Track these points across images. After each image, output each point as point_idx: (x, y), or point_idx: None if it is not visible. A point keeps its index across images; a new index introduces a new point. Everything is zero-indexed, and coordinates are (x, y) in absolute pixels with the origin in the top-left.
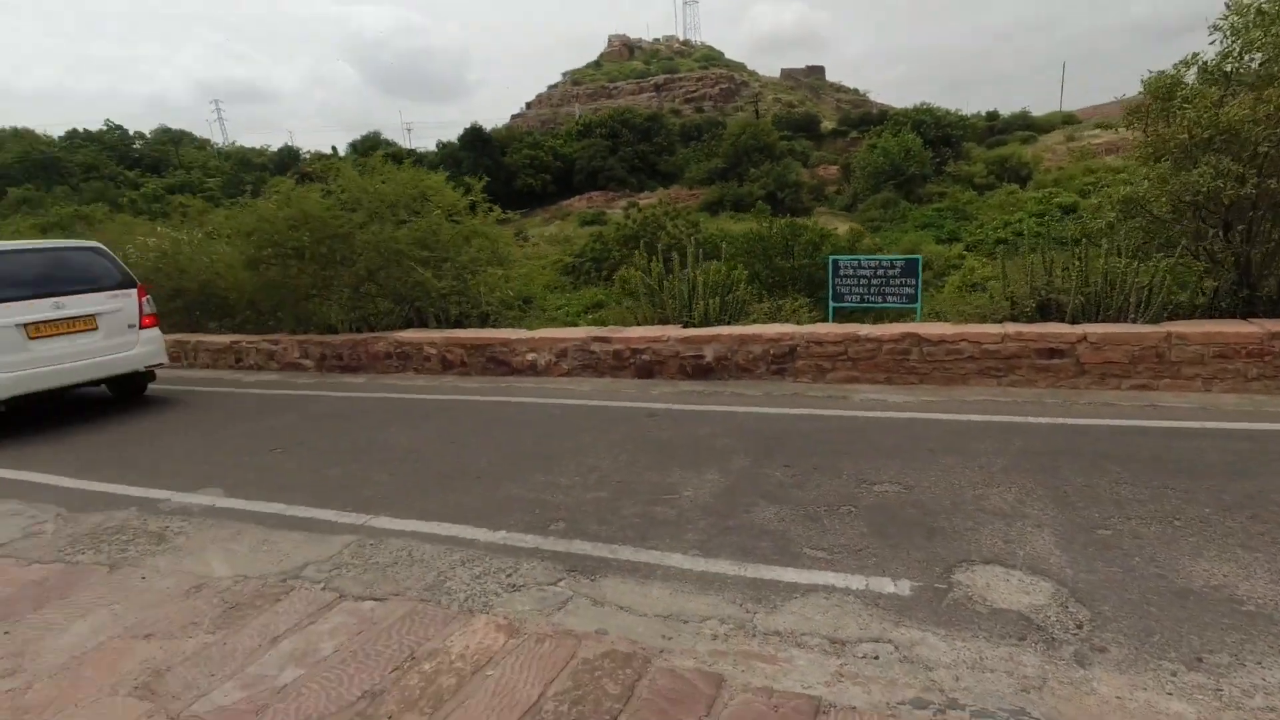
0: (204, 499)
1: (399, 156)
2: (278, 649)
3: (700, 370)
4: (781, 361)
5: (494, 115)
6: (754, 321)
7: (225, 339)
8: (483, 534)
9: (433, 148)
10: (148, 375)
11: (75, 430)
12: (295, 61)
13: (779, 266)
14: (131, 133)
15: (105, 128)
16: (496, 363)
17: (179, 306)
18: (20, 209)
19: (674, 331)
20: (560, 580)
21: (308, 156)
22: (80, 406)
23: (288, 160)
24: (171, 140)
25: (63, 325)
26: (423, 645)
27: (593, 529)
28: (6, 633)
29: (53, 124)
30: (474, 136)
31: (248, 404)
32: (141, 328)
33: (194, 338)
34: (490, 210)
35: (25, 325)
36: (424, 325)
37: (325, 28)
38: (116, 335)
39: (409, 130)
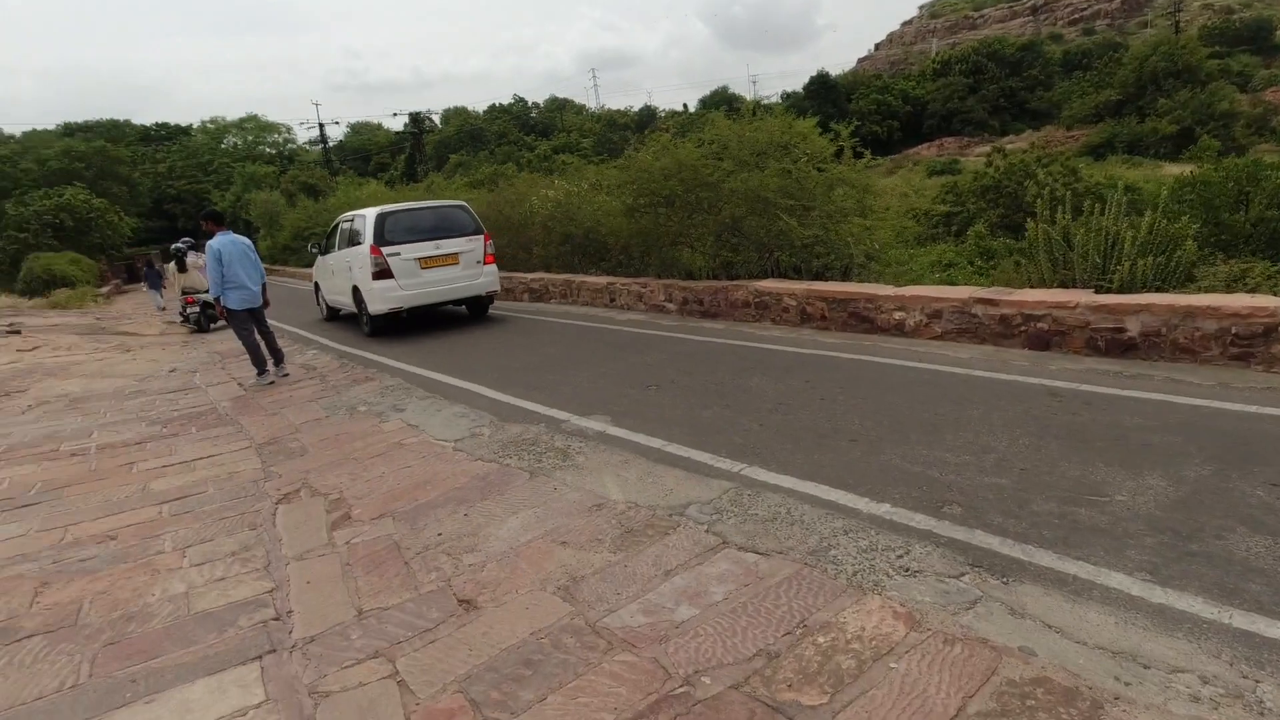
0: (595, 424)
1: (748, 111)
2: (671, 583)
3: (1117, 346)
4: (1248, 344)
5: (840, 60)
6: (1202, 289)
7: (603, 280)
8: (864, 504)
9: (778, 99)
10: (489, 298)
11: (498, 358)
12: (657, 26)
13: (1227, 222)
14: (530, 103)
15: (513, 101)
16: (859, 319)
17: (567, 250)
18: (456, 171)
19: (1084, 297)
20: (963, 574)
21: (663, 115)
22: (491, 337)
23: (646, 119)
24: (558, 108)
25: (439, 260)
26: (813, 615)
27: (996, 521)
28: (465, 515)
29: (480, 101)
30: (818, 85)
31: (622, 340)
32: (485, 264)
33: (578, 278)
34: (859, 156)
35: (419, 259)
36: (782, 276)
37: None
38: (470, 268)
39: (754, 83)
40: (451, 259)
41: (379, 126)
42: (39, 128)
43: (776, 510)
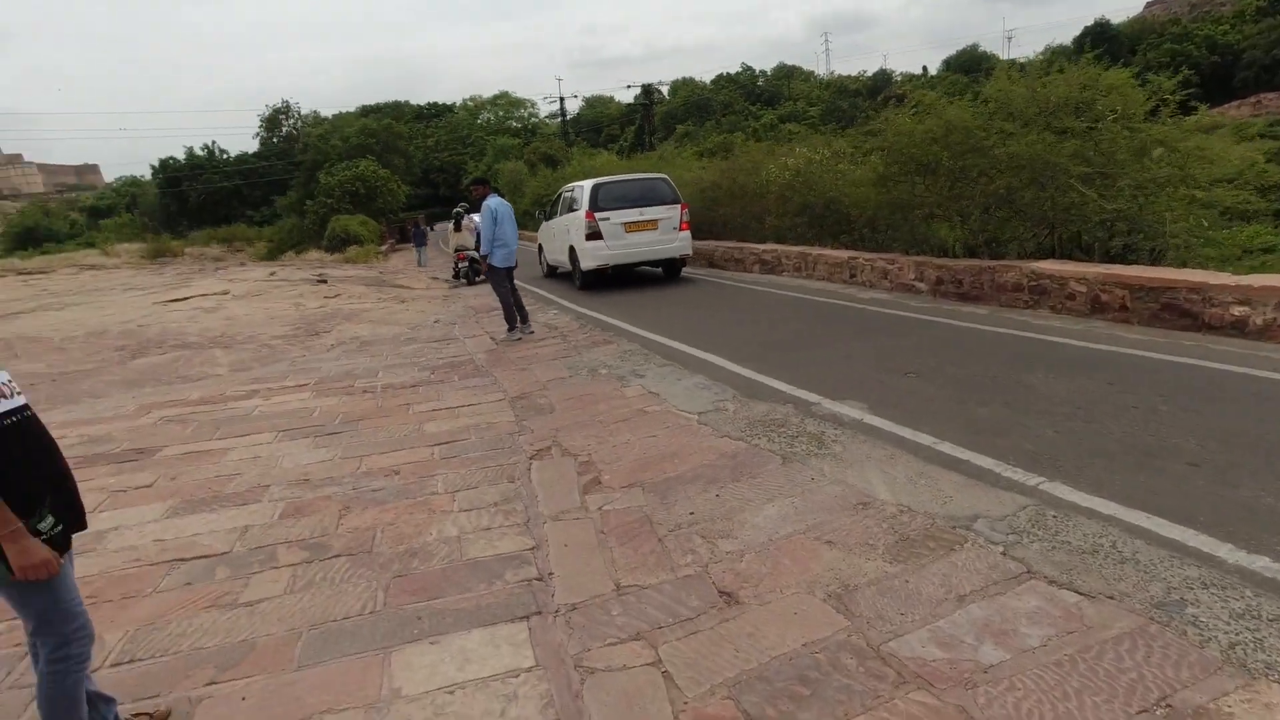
0: (850, 411)
1: (1039, 65)
2: (967, 611)
3: None
4: None
5: (1121, 6)
6: None
7: (843, 254)
8: (1227, 551)
9: (1036, 55)
10: (681, 261)
11: (734, 329)
12: None
13: None
14: (757, 72)
15: (740, 70)
16: (1177, 312)
17: (803, 222)
18: (683, 140)
19: None
20: None
21: (899, 79)
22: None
23: (880, 84)
24: (785, 75)
25: (641, 225)
26: (1178, 693)
27: None
28: (717, 495)
29: (706, 71)
30: (1095, 34)
31: (867, 320)
32: (680, 230)
33: (814, 251)
34: (1188, 112)
35: (625, 224)
36: (1065, 256)
37: None
38: (667, 233)
39: (1009, 39)
40: (651, 224)
41: (610, 100)
42: (343, 110)
43: (1096, 541)
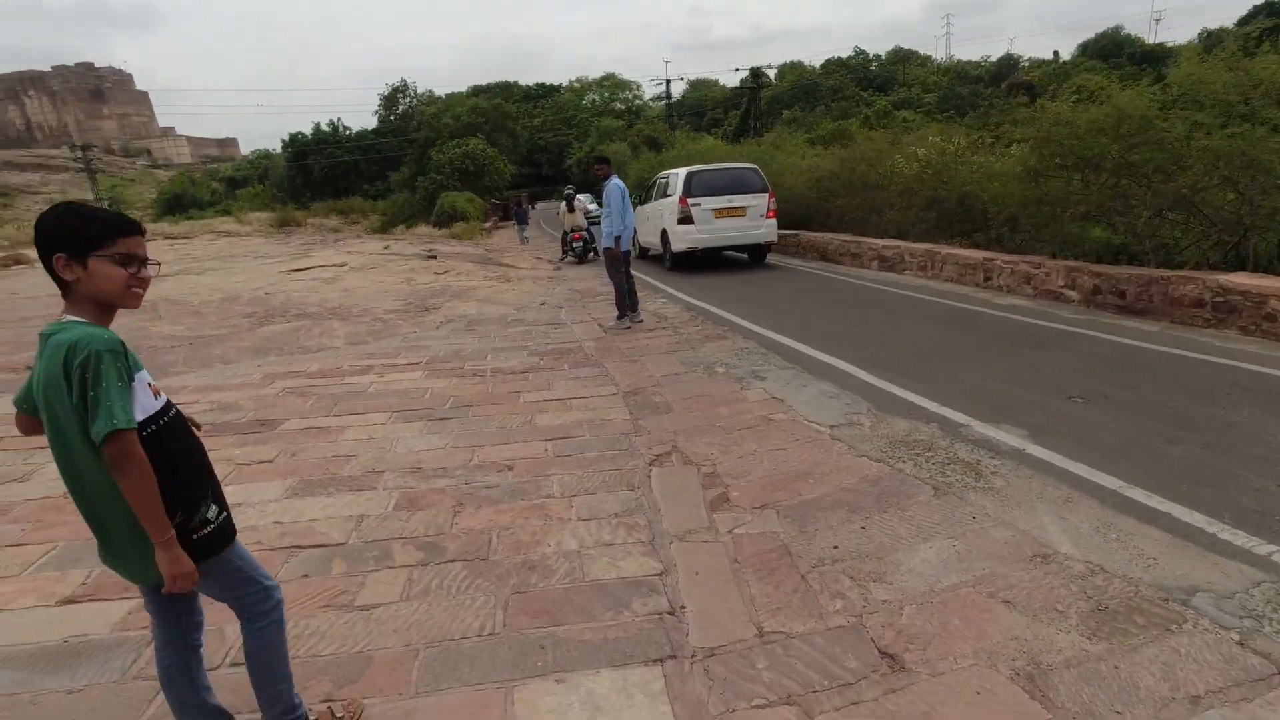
0: (1007, 437)
1: (1144, 56)
2: None
3: None
4: None
5: None
6: None
7: (977, 255)
8: None
9: (1189, 39)
10: (766, 247)
11: (857, 331)
12: None
13: None
14: (870, 56)
15: (852, 54)
16: None
17: (933, 217)
18: (790, 126)
19: None
20: None
21: (1025, 65)
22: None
23: (1004, 70)
24: (900, 60)
25: (730, 211)
26: None
27: None
28: (862, 528)
29: (815, 55)
30: (1269, 10)
31: (1010, 331)
32: (766, 218)
33: (943, 250)
34: None
35: (714, 210)
36: (1262, 269)
37: None
38: (754, 220)
39: (1157, 20)
40: (739, 211)
41: (715, 83)
42: (454, 90)
43: None
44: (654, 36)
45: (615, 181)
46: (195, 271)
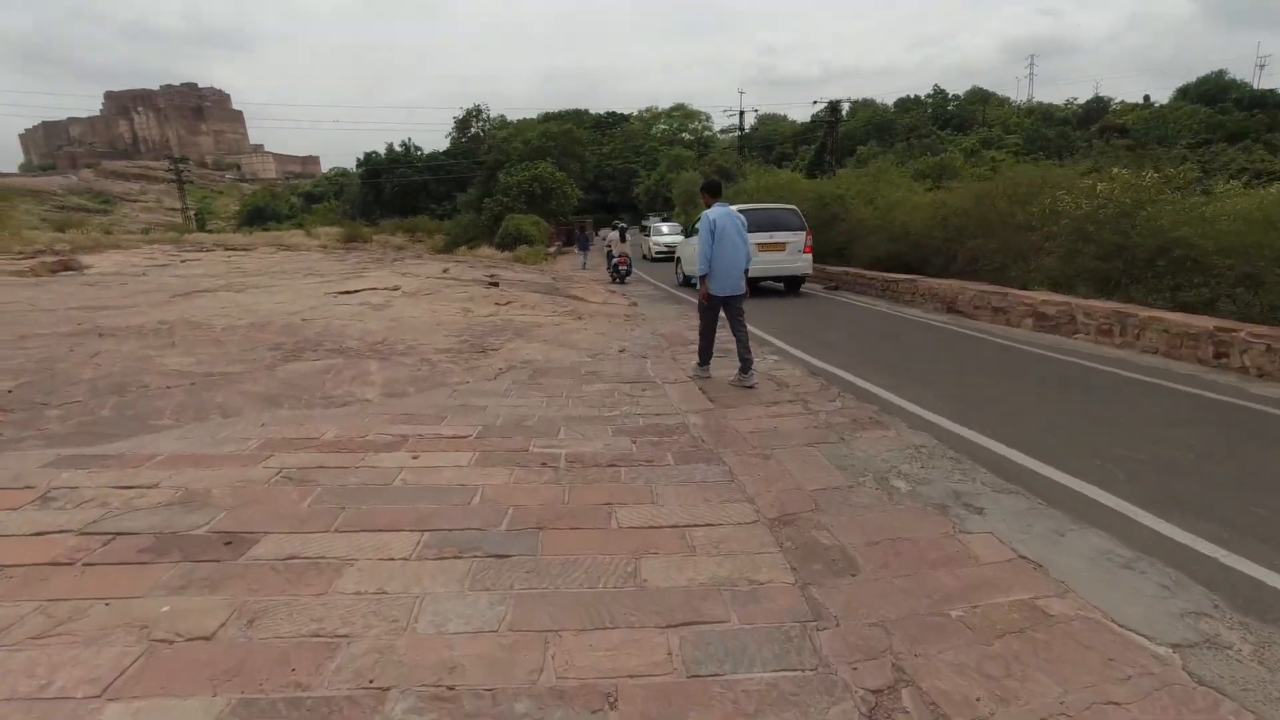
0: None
1: (1252, 101)
2: None
3: None
4: None
5: None
6: None
7: (1202, 322)
8: None
9: None
10: (801, 279)
11: (1106, 444)
12: (1108, 7)
13: None
14: (949, 95)
15: (931, 93)
16: None
17: (1114, 268)
18: (864, 162)
19: None
20: None
21: (1117, 107)
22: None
23: (1093, 113)
24: (979, 100)
25: (771, 246)
26: None
27: None
28: None
29: (884, 94)
30: None
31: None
32: (804, 252)
33: (1143, 312)
34: None
35: (758, 244)
36: None
37: None
38: (792, 254)
39: (1261, 66)
40: (779, 246)
41: (783, 118)
42: (526, 116)
43: None
44: (723, 72)
45: (705, 214)
46: (236, 288)
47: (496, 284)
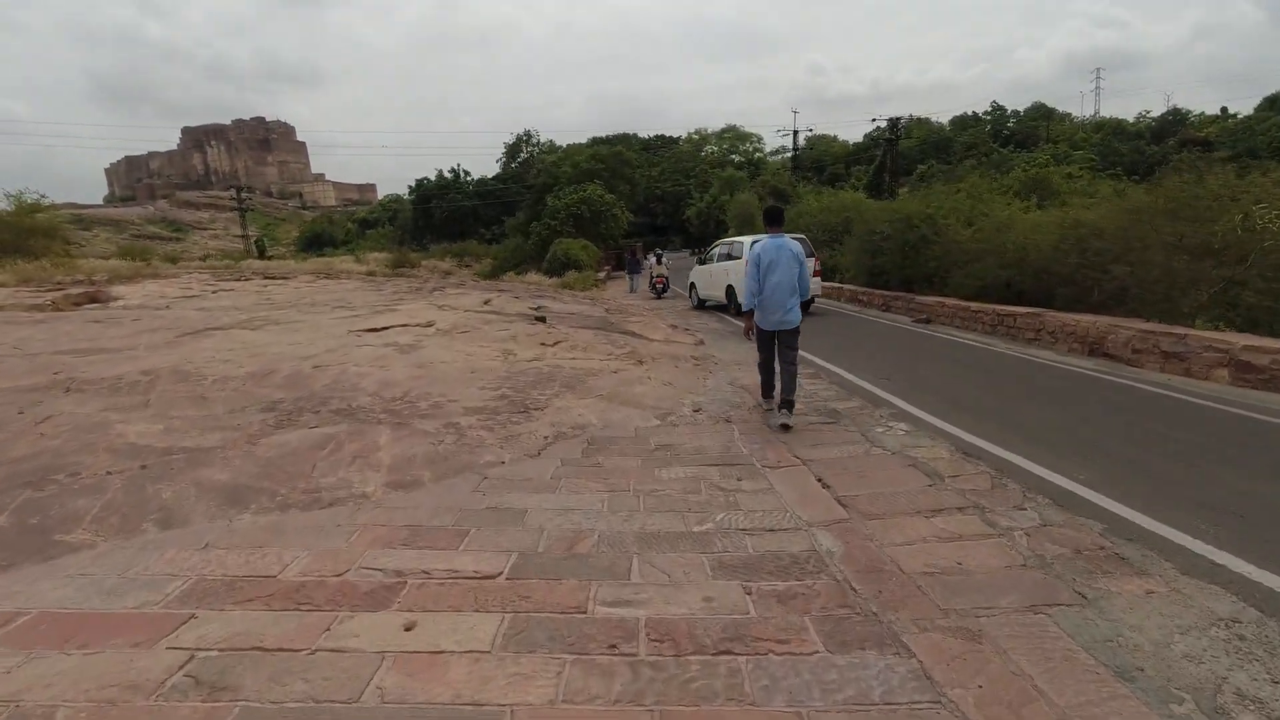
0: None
1: None
2: None
3: None
4: None
5: None
6: None
7: None
8: None
9: None
10: (812, 300)
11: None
12: (1178, 16)
13: None
14: (1009, 111)
15: (990, 109)
16: None
17: None
18: (922, 182)
19: None
20: None
21: (1195, 120)
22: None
23: (1169, 127)
24: (1042, 116)
25: None
26: None
27: None
28: None
29: (939, 112)
30: None
31: None
32: (813, 276)
33: None
34: None
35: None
36: None
37: None
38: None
39: None
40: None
41: (834, 139)
42: (575, 142)
43: None
44: (772, 93)
45: (756, 244)
46: (254, 325)
47: (544, 319)
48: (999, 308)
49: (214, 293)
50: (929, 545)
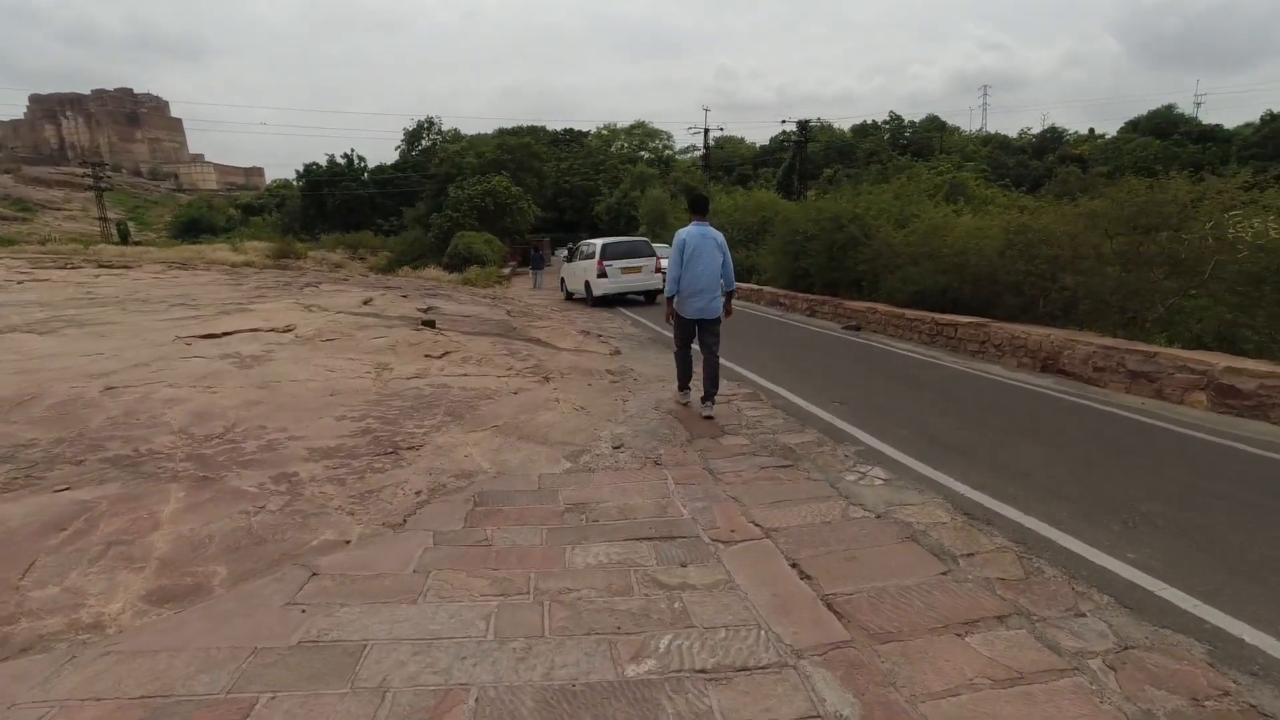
0: None
1: (1201, 135)
2: None
3: None
4: None
5: None
6: None
7: None
8: None
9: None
10: (657, 292)
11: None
12: (1052, 45)
13: None
14: (905, 122)
15: (888, 119)
16: None
17: None
18: (828, 185)
19: None
20: None
21: (1071, 138)
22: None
23: (1048, 143)
24: (936, 128)
25: (630, 269)
26: None
27: None
28: None
29: (840, 120)
30: None
31: None
32: (655, 273)
33: None
34: None
35: (622, 268)
36: None
37: (1096, 2)
38: (647, 274)
39: (1199, 104)
40: (637, 269)
41: (741, 140)
42: (482, 132)
43: None
44: (681, 94)
45: (683, 230)
46: (45, 328)
47: (433, 323)
48: (938, 316)
49: (19, 284)
50: (983, 697)
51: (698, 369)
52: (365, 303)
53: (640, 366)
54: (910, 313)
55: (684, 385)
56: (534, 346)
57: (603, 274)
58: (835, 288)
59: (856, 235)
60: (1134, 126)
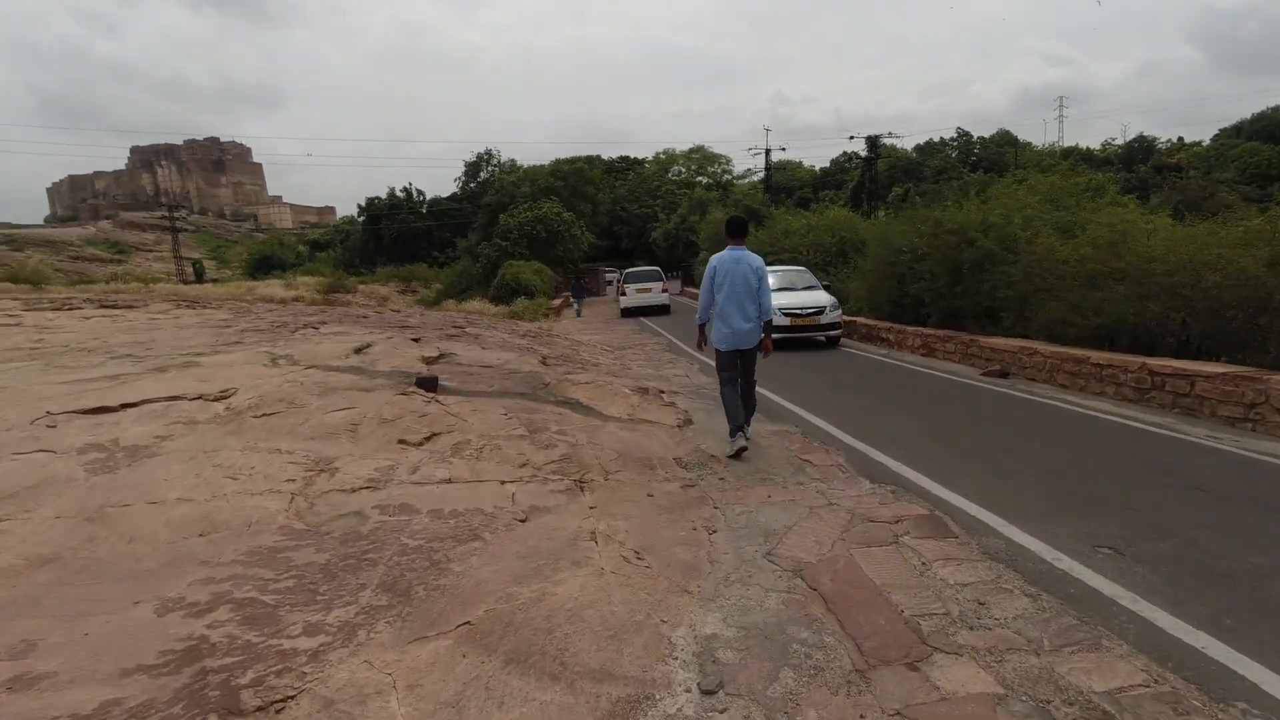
0: None
1: None
2: None
3: None
4: None
5: None
6: None
7: None
8: None
9: None
10: (668, 307)
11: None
12: (1122, 56)
13: None
14: (974, 138)
15: (955, 135)
16: None
17: None
18: (899, 204)
19: None
20: None
21: (1165, 146)
22: None
23: (1136, 153)
24: (1007, 143)
25: (645, 290)
26: None
27: None
28: None
29: (908, 137)
30: None
31: None
32: (663, 292)
33: None
34: None
35: (636, 289)
36: None
37: (1172, 10)
38: (656, 294)
39: None
40: (648, 289)
41: (799, 164)
42: (539, 164)
43: None
44: (737, 121)
45: (716, 255)
46: None
47: (432, 383)
48: (1153, 362)
49: None
50: None
51: None
52: (359, 350)
53: (722, 447)
54: (1099, 355)
55: (735, 429)
56: (569, 415)
57: (623, 293)
58: (959, 319)
59: (994, 251)
60: (1237, 131)
